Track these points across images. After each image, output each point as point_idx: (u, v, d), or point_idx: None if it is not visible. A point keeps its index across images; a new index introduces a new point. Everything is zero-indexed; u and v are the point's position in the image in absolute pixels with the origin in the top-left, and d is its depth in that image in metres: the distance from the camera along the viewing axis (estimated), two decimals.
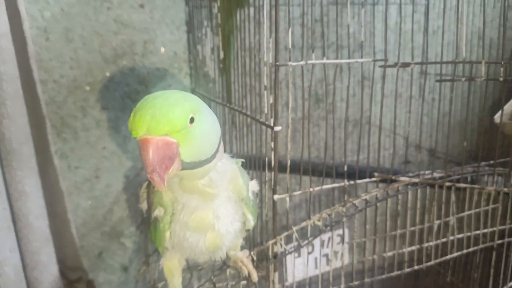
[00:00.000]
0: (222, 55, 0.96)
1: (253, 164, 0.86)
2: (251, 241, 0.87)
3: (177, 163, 0.53)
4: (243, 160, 0.69)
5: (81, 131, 1.22)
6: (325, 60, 0.74)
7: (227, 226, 0.64)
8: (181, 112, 0.52)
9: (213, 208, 0.62)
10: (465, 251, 0.97)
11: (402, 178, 0.83)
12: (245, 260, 0.73)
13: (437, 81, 0.81)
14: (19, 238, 1.02)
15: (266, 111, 0.75)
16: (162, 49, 1.27)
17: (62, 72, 1.18)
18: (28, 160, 1.02)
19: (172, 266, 0.69)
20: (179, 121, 0.52)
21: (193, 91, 1.29)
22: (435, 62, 0.84)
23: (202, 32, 1.07)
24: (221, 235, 0.64)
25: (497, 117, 1.00)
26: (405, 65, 0.77)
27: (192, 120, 0.53)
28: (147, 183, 0.71)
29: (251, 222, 0.68)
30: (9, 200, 1.00)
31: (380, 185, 0.86)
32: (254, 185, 0.69)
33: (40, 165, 1.08)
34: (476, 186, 0.82)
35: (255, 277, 0.72)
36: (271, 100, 0.71)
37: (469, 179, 0.88)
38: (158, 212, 0.63)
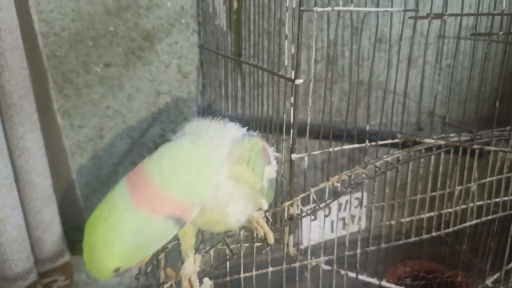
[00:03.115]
0: (235, 5, 0.89)
1: (268, 124, 0.81)
2: None
3: None
4: (260, 145, 0.59)
5: (83, 88, 1.17)
6: (352, 7, 0.68)
7: (238, 218, 0.60)
8: (102, 270, 0.48)
9: (221, 207, 0.57)
10: (484, 218, 0.94)
11: (426, 140, 0.79)
12: (261, 220, 0.69)
13: (471, 35, 0.75)
14: (21, 196, 0.98)
15: (286, 63, 0.69)
16: (169, 3, 1.19)
17: (64, 24, 1.11)
18: (29, 116, 0.97)
19: (186, 226, 0.66)
20: (103, 277, 0.49)
21: (201, 48, 1.23)
22: (470, 14, 0.77)
23: None
24: (232, 225, 0.60)
25: None
26: (438, 16, 0.70)
27: (117, 269, 0.49)
28: None
29: (265, 206, 0.62)
30: (10, 157, 0.96)
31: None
32: (271, 172, 0.61)
33: (42, 122, 1.03)
34: (506, 149, 0.78)
35: (271, 238, 0.68)
36: (293, 50, 0.65)
37: (494, 143, 0.83)
38: None
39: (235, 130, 0.61)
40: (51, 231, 1.03)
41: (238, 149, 0.57)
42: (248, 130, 0.62)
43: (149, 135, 1.27)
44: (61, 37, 1.12)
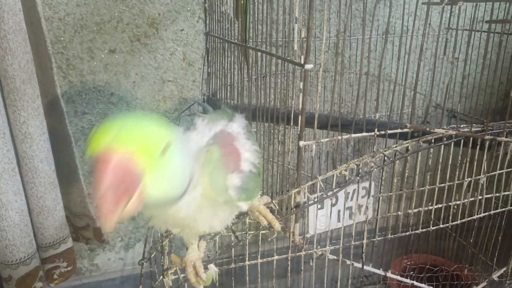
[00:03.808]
0: None
1: (274, 113, 0.80)
2: (269, 190, 0.82)
3: (137, 197, 0.41)
4: (216, 155, 0.56)
5: (88, 74, 1.16)
6: None
7: (210, 225, 0.59)
8: (155, 133, 0.43)
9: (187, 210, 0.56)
10: (492, 212, 0.92)
11: (437, 130, 0.77)
12: (262, 209, 0.68)
13: (486, 22, 0.73)
14: (24, 181, 0.98)
15: (295, 47, 0.67)
16: None
17: (68, 9, 1.10)
18: (32, 101, 0.96)
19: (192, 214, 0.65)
20: (151, 142, 0.42)
21: (207, 35, 1.21)
22: (487, 0, 0.76)
23: None
24: (204, 231, 0.60)
25: None
26: (453, 2, 0.69)
27: (164, 150, 0.43)
28: None
29: (243, 208, 0.61)
30: (13, 142, 0.95)
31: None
32: (235, 180, 0.56)
33: (46, 107, 1.02)
34: None
35: (278, 226, 0.66)
36: (303, 34, 0.64)
37: (505, 135, 0.82)
38: None
39: (198, 138, 0.58)
40: (54, 217, 1.02)
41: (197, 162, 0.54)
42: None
43: None
44: (66, 22, 1.10)
